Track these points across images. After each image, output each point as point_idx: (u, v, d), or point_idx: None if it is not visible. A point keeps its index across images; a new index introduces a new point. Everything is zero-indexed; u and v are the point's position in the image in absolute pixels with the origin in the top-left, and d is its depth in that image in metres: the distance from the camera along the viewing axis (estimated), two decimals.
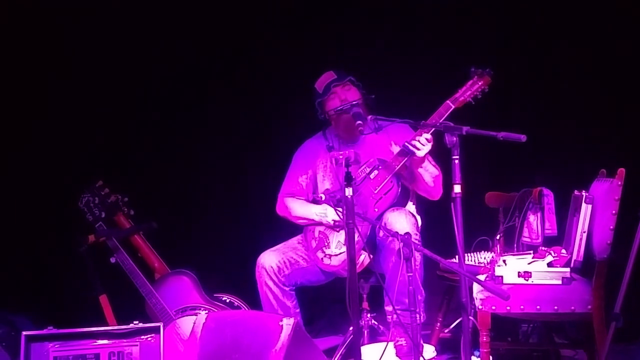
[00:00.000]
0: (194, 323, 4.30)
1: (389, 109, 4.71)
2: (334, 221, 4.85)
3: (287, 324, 4.03)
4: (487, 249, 5.11)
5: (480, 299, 4.30)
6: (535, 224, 4.81)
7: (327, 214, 4.89)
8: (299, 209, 5.08)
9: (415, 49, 5.99)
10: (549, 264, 4.33)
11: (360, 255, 4.69)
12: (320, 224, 4.94)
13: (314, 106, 5.06)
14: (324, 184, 5.06)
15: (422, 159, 4.69)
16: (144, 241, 5.29)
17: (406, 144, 4.66)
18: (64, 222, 5.61)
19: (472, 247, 5.07)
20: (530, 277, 4.31)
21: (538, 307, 4.25)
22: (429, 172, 4.79)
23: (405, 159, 4.73)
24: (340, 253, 4.80)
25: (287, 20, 6.18)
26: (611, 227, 4.18)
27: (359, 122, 4.64)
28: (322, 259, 4.88)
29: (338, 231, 4.85)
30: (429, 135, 4.61)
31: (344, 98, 4.90)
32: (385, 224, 4.61)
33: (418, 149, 4.62)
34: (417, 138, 4.62)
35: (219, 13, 6.17)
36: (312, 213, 4.97)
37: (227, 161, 6.30)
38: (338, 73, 5.00)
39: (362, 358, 4.07)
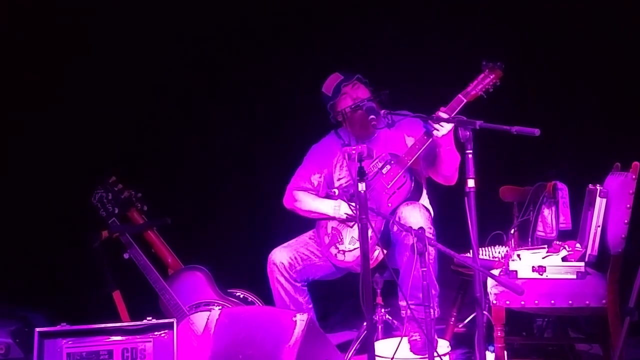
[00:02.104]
0: (208, 319, 4.31)
1: (401, 103, 4.70)
2: (347, 215, 4.84)
3: (301, 319, 4.03)
4: (502, 243, 5.09)
5: (495, 294, 4.29)
6: (549, 218, 4.79)
7: (340, 207, 4.89)
8: (312, 202, 5.07)
9: (427, 43, 5.97)
10: (564, 259, 4.31)
11: (374, 250, 4.68)
12: (331, 218, 4.93)
13: (326, 110, 5.05)
14: (340, 182, 5.05)
15: (449, 140, 4.65)
16: (157, 237, 5.30)
17: (429, 123, 4.63)
18: (78, 218, 5.61)
19: (487, 241, 5.04)
20: (545, 271, 4.29)
21: (552, 301, 4.24)
22: (454, 155, 4.75)
23: (429, 140, 4.70)
24: (354, 249, 4.79)
25: (299, 15, 6.17)
26: (626, 220, 4.17)
27: (372, 116, 4.63)
28: (335, 255, 4.87)
29: (351, 226, 4.84)
30: (445, 116, 4.57)
31: (355, 97, 4.90)
32: (399, 218, 4.59)
33: (442, 126, 4.59)
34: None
35: (231, 9, 6.16)
36: (328, 207, 4.96)
37: (240, 157, 6.30)
38: (344, 74, 4.99)
39: (376, 353, 4.06)
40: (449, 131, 4.59)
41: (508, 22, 5.84)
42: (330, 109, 5.02)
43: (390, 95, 4.83)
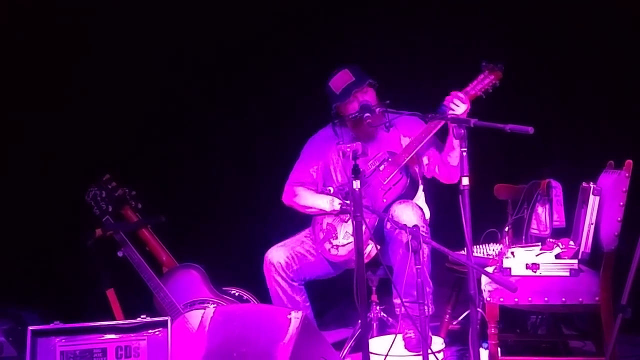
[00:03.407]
0: (202, 317, 4.30)
1: (400, 102, 4.70)
2: (341, 205, 4.83)
3: (296, 317, 4.03)
4: (496, 241, 5.11)
5: (489, 291, 4.30)
6: (543, 216, 4.81)
7: (334, 200, 4.89)
8: (309, 197, 5.07)
9: (427, 42, 5.98)
10: (557, 256, 4.32)
11: (367, 245, 4.68)
12: (327, 214, 4.94)
13: (328, 103, 4.99)
14: (337, 176, 5.05)
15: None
16: (151, 235, 5.29)
17: (443, 105, 4.66)
18: (71, 216, 5.61)
19: (481, 239, 5.08)
20: (538, 268, 4.31)
21: (546, 298, 4.25)
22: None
23: (426, 139, 4.73)
24: (348, 243, 4.80)
25: (295, 12, 6.17)
26: (619, 218, 4.18)
27: (367, 114, 4.63)
28: (329, 249, 4.88)
29: (346, 221, 4.85)
30: (462, 95, 4.59)
31: (363, 101, 4.83)
32: (392, 215, 4.60)
33: (457, 106, 4.61)
34: (453, 100, 4.64)
35: (229, 10, 6.16)
36: (324, 202, 4.96)
37: (236, 155, 6.31)
38: (355, 74, 4.90)
39: (371, 350, 4.07)
40: (465, 111, 4.61)
41: (504, 21, 5.84)
42: (335, 108, 4.97)
43: (390, 96, 4.83)
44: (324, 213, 4.97)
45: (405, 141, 4.89)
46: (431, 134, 4.76)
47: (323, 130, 5.19)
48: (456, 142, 4.68)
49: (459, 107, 4.62)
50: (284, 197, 5.20)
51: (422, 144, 4.74)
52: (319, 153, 5.15)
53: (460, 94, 4.64)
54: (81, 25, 6.05)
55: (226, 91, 6.31)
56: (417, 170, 4.95)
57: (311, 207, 5.04)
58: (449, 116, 4.48)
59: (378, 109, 4.59)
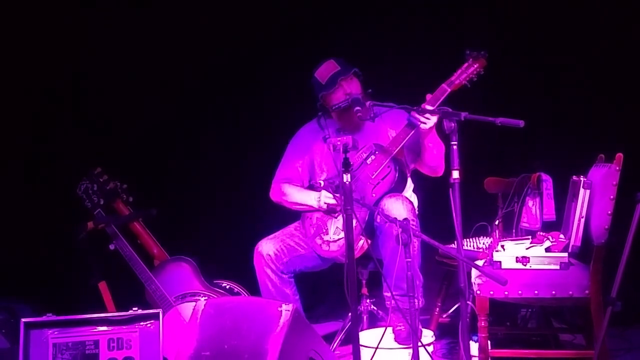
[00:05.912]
0: (194, 309, 4.31)
1: (384, 94, 4.71)
2: (327, 205, 4.84)
3: (286, 309, 4.03)
4: (486, 234, 5.11)
5: (479, 284, 4.30)
6: (533, 209, 4.82)
7: (322, 198, 4.88)
8: (297, 194, 5.06)
9: (411, 33, 5.98)
10: (547, 249, 4.33)
11: (359, 240, 4.69)
12: (316, 210, 4.94)
13: (314, 94, 4.98)
14: (322, 170, 5.05)
15: (431, 131, 4.64)
16: (143, 228, 5.30)
17: (414, 116, 4.61)
18: (63, 209, 5.61)
19: (471, 232, 5.08)
20: (528, 262, 4.32)
21: (536, 292, 4.26)
22: (439, 144, 4.73)
23: (412, 131, 4.70)
24: (339, 239, 4.80)
25: (283, 8, 6.17)
26: (609, 212, 4.18)
27: (358, 107, 4.63)
28: (320, 245, 4.88)
29: (336, 217, 4.85)
30: (431, 108, 4.57)
31: (349, 92, 4.84)
32: (382, 209, 4.60)
33: (424, 123, 4.58)
34: (423, 115, 4.58)
35: (220, 13, 6.17)
36: (311, 199, 4.96)
37: (227, 149, 6.30)
38: (341, 64, 4.91)
39: (361, 343, 4.08)
40: (434, 124, 4.59)
41: (493, 13, 5.85)
42: (321, 98, 4.97)
43: (375, 87, 4.84)
44: (312, 210, 4.97)
45: (392, 134, 4.89)
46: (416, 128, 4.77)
47: (307, 125, 5.18)
48: (427, 143, 4.71)
49: (429, 119, 4.57)
50: (272, 195, 5.18)
51: (409, 136, 4.73)
52: (304, 148, 5.14)
53: (430, 107, 4.59)
54: (84, 23, 6.06)
55: (216, 86, 6.30)
56: (404, 162, 4.95)
57: (299, 204, 5.03)
58: (438, 110, 4.47)
59: (368, 102, 4.58)
